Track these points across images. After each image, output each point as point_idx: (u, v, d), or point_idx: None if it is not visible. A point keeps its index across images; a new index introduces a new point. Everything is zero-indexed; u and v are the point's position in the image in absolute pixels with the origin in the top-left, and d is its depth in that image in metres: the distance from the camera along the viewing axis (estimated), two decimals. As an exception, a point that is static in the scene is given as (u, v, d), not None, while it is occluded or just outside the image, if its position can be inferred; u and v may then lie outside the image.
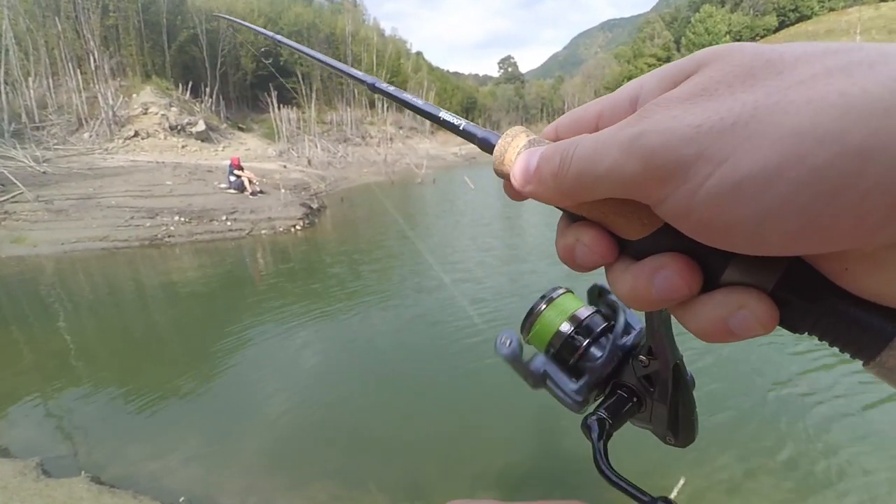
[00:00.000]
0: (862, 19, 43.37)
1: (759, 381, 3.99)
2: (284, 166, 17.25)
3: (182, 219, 10.08)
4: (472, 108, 57.52)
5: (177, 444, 3.58)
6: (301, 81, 33.39)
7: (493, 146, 0.31)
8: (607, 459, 0.37)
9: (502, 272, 7.25)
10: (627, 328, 0.41)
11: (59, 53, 21.39)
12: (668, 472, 2.89)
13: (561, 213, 0.30)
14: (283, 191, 12.60)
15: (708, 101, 0.21)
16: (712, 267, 0.24)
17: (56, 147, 15.86)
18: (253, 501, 3.02)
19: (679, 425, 0.39)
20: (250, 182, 12.21)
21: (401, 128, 36.99)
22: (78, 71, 20.50)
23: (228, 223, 10.20)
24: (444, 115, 0.37)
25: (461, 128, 0.35)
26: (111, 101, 18.88)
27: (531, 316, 0.44)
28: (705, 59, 0.23)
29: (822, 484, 2.88)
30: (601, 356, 0.40)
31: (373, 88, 0.49)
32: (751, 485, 2.87)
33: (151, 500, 2.96)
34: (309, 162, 19.18)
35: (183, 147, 18.27)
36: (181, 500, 3.00)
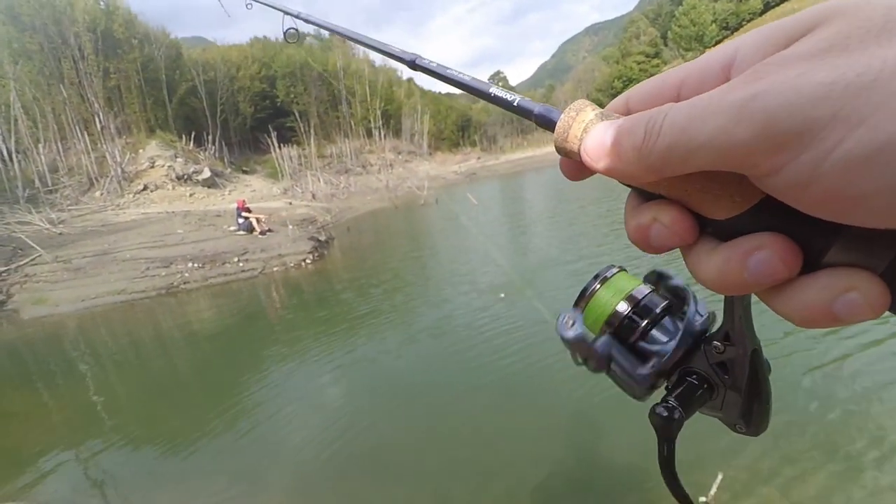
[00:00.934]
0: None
1: (790, 363, 3.94)
2: (290, 203, 17.57)
3: (195, 265, 10.30)
4: (468, 126, 58.05)
5: (206, 487, 3.64)
6: (299, 119, 34.15)
7: (554, 122, 0.30)
8: (673, 458, 0.38)
9: (513, 282, 7.30)
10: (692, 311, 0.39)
11: (66, 118, 22.18)
12: (703, 469, 2.81)
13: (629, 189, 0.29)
14: (290, 227, 12.83)
15: (839, 57, 0.18)
16: (815, 246, 0.22)
17: (70, 208, 16.35)
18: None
19: (753, 413, 0.37)
20: (258, 222, 12.46)
21: (399, 153, 37.46)
22: (85, 133, 21.21)
23: (241, 264, 10.39)
24: (495, 90, 0.36)
25: (515, 103, 0.34)
26: (119, 159, 19.47)
27: (584, 296, 0.42)
28: (825, 15, 0.20)
29: (865, 464, 2.79)
30: (668, 340, 0.38)
31: (412, 65, 0.48)
32: (791, 471, 2.79)
33: (186, 544, 3.01)
34: (313, 196, 19.50)
35: (191, 195, 18.72)
36: (215, 540, 3.05)
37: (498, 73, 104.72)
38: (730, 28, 60.59)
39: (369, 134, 38.63)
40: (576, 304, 0.42)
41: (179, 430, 4.47)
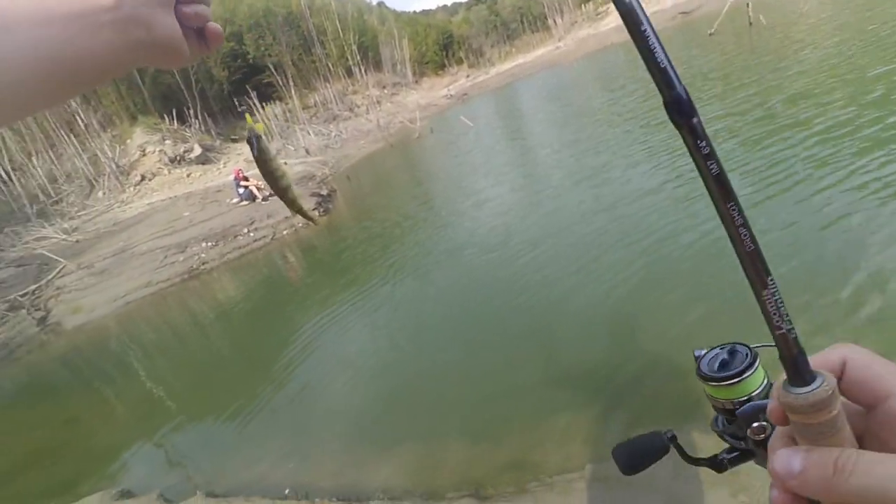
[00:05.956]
0: None
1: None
2: (285, 163, 17.25)
3: (209, 244, 10.48)
4: (451, 43, 54.83)
5: (267, 446, 3.97)
6: (275, 72, 32.83)
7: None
8: None
9: (522, 198, 7.26)
10: None
11: (49, 124, 21.85)
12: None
13: None
14: (291, 188, 12.78)
15: None
16: None
17: (79, 214, 16.56)
18: (347, 477, 3.34)
19: None
20: (258, 189, 12.42)
21: (384, 87, 36.07)
22: (71, 135, 20.95)
23: (251, 234, 10.53)
24: None
25: None
26: (110, 154, 19.33)
27: None
28: None
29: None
30: None
31: None
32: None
33: (262, 499, 3.33)
34: (307, 151, 19.17)
35: (188, 176, 18.65)
36: (286, 492, 3.36)
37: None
38: None
39: (349, 73, 37.05)
40: None
41: (231, 402, 4.79)
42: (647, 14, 0.31)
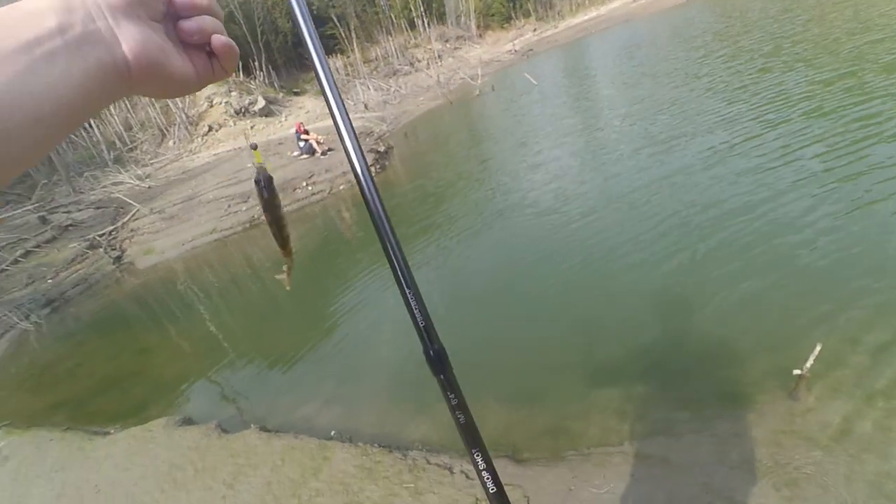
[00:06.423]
0: None
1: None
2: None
3: (270, 195, 10.82)
4: (517, -6, 52.08)
5: (316, 390, 4.16)
6: (338, 24, 32.72)
7: None
8: None
9: (583, 163, 6.97)
10: None
11: (125, 74, 23.01)
12: (802, 341, 2.74)
13: None
14: (349, 143, 12.88)
15: None
16: None
17: (151, 162, 17.56)
18: (389, 427, 3.46)
19: None
20: (318, 143, 12.60)
21: (447, 41, 35.10)
22: (145, 85, 22.00)
23: (310, 188, 10.78)
24: None
25: None
26: (180, 105, 20.17)
27: None
28: None
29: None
30: None
31: None
32: (886, 336, 2.65)
33: (309, 437, 3.52)
34: (366, 106, 19.18)
35: (252, 128, 19.21)
36: (332, 433, 3.53)
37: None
38: None
39: (412, 25, 36.32)
40: None
41: (285, 346, 5.04)
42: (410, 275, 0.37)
